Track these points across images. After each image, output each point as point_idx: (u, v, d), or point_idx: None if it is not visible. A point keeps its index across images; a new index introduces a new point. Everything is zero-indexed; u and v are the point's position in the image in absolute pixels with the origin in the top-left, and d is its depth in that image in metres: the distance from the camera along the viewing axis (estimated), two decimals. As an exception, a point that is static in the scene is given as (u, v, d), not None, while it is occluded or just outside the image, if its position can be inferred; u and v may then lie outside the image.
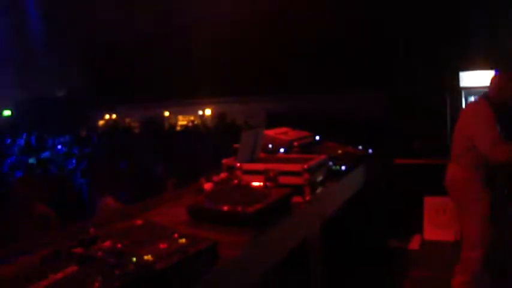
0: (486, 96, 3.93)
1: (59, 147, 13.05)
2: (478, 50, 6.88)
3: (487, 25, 7.09)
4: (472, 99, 6.54)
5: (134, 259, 1.54)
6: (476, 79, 6.51)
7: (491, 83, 3.94)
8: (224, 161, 3.51)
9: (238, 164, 3.11)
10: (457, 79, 6.59)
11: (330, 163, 3.67)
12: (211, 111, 14.53)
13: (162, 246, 1.68)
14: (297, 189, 2.85)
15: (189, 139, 12.07)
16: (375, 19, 8.59)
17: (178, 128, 14.89)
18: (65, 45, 16.81)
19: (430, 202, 6.01)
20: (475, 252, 3.78)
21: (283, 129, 4.39)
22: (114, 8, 13.07)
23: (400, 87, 7.40)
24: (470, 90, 6.54)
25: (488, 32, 7.04)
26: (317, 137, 4.63)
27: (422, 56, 7.48)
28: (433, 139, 6.31)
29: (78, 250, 1.64)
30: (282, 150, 3.92)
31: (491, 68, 6.45)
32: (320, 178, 3.20)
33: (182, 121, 15.60)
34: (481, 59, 6.67)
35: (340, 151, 4.28)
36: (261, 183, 2.87)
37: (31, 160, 10.55)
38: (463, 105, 6.53)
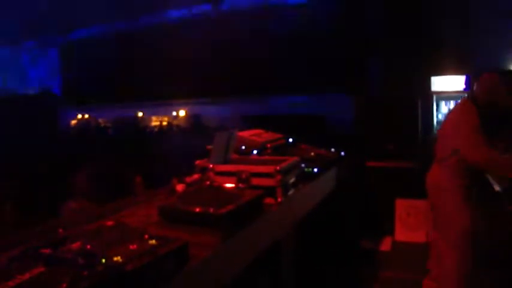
0: (473, 98, 3.71)
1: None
2: (450, 55, 6.99)
3: (458, 30, 7.20)
4: (442, 103, 6.66)
5: (103, 260, 1.52)
6: (447, 84, 6.61)
7: (479, 85, 3.71)
8: (197, 162, 3.51)
9: (211, 165, 3.11)
10: (428, 83, 6.68)
11: (303, 165, 3.68)
12: (185, 113, 14.48)
13: (132, 247, 1.67)
14: (269, 191, 2.85)
15: (162, 140, 12.01)
16: (347, 22, 8.65)
17: (151, 129, 14.82)
18: (40, 42, 16.62)
19: (401, 204, 6.09)
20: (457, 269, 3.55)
21: (257, 131, 4.40)
22: (89, 6, 12.95)
23: (372, 91, 7.48)
24: (441, 95, 6.64)
25: (459, 38, 7.15)
26: (290, 139, 4.64)
27: (394, 59, 7.56)
28: (405, 142, 6.39)
29: (46, 250, 1.62)
30: (255, 152, 3.93)
31: (462, 73, 6.58)
32: (292, 180, 3.21)
33: (155, 122, 15.52)
34: (452, 64, 6.77)
35: (312, 153, 4.31)
36: (233, 185, 2.87)
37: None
38: (434, 109, 6.63)
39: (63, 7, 12.98)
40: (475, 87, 3.74)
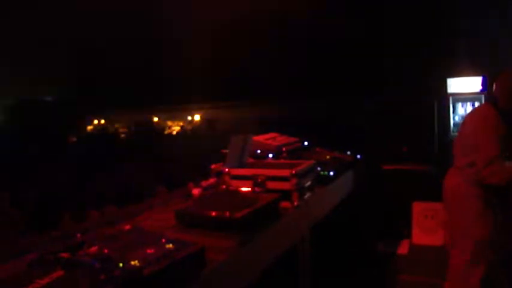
0: (493, 101, 3.53)
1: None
2: (466, 57, 6.94)
3: (474, 32, 7.15)
4: (459, 104, 6.61)
5: (121, 264, 1.53)
6: (464, 85, 6.56)
7: (498, 85, 3.53)
8: (212, 166, 3.51)
9: (227, 169, 3.11)
10: (444, 85, 6.63)
11: (318, 168, 3.67)
12: (200, 117, 14.50)
13: (149, 251, 1.68)
14: (285, 195, 2.84)
15: (178, 144, 12.06)
16: (362, 25, 8.63)
17: (166, 133, 14.88)
18: (56, 49, 16.76)
19: (418, 207, 6.05)
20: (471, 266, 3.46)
21: (272, 135, 4.40)
22: (104, 12, 13.05)
23: (388, 93, 7.44)
24: (457, 97, 6.59)
25: (476, 39, 7.10)
26: (305, 143, 4.63)
27: (410, 61, 7.53)
28: (421, 145, 6.35)
29: (65, 255, 1.63)
30: (270, 155, 3.93)
31: (478, 75, 6.52)
32: (308, 183, 3.20)
33: (171, 126, 15.57)
34: (468, 65, 6.72)
35: (328, 156, 4.29)
36: (249, 189, 2.87)
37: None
38: (451, 111, 6.58)
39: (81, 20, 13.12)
40: (494, 88, 3.58)
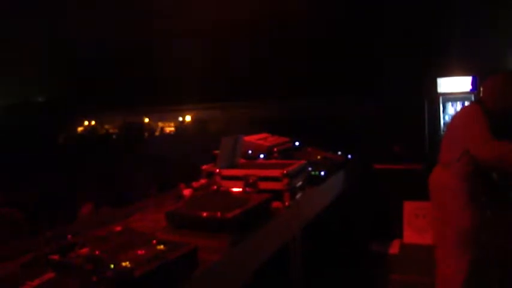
0: (480, 101, 3.58)
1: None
2: (456, 56, 6.96)
3: (465, 32, 7.18)
4: (449, 104, 6.63)
5: (112, 266, 1.53)
6: (454, 85, 6.58)
7: (485, 89, 3.59)
8: (204, 167, 3.51)
9: (218, 170, 3.11)
10: (434, 85, 6.65)
11: (310, 168, 3.68)
12: (191, 118, 14.48)
13: (141, 252, 1.68)
14: (277, 195, 2.85)
15: (169, 145, 12.03)
16: (352, 24, 8.64)
17: (157, 134, 14.86)
18: (46, 50, 16.66)
19: (409, 206, 6.06)
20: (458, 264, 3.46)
21: (263, 135, 4.40)
22: (94, 13, 13.00)
23: (378, 93, 7.45)
24: (447, 96, 6.62)
25: (466, 39, 7.13)
26: (297, 143, 4.64)
27: (400, 61, 7.55)
28: (412, 144, 6.37)
29: (56, 257, 1.62)
30: (261, 155, 3.93)
31: (468, 74, 6.55)
32: (300, 183, 3.20)
33: (162, 127, 15.54)
34: (459, 65, 6.74)
35: (319, 156, 4.30)
36: (241, 189, 2.87)
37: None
38: (441, 111, 6.61)
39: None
40: (481, 92, 3.64)
